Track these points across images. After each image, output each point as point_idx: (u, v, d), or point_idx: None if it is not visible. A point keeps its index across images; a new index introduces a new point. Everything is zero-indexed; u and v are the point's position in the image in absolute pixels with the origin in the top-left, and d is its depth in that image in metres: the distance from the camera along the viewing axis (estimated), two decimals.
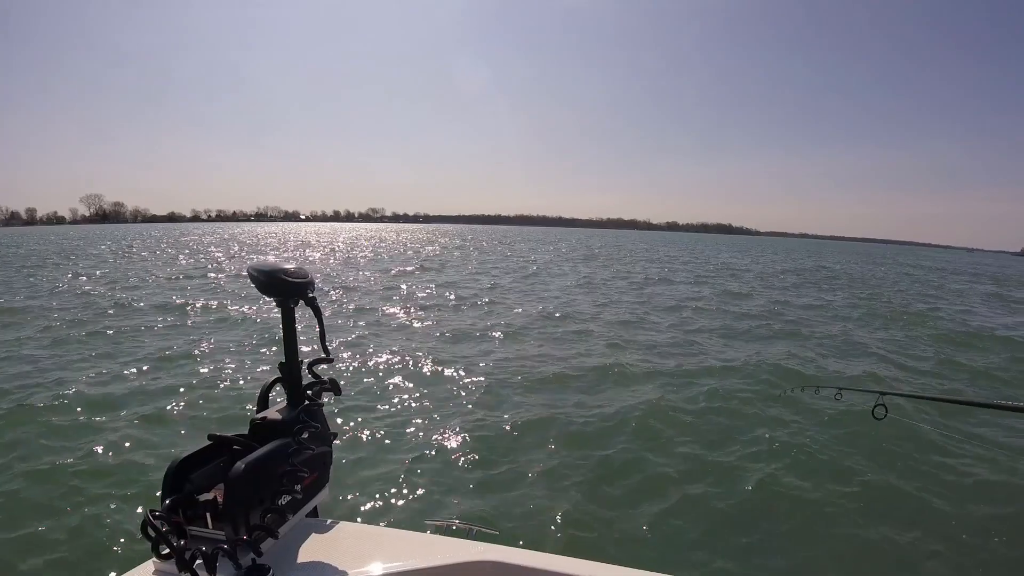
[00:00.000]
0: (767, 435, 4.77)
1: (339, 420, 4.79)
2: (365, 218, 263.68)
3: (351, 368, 6.55)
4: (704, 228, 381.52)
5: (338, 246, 38.95)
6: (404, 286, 14.82)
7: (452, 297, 12.86)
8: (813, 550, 3.28)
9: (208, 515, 0.88)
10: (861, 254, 76.07)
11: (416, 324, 9.38)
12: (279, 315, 1.08)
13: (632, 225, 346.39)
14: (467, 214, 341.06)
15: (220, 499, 0.89)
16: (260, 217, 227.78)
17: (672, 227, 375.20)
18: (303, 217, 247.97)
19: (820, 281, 21.64)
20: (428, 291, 13.86)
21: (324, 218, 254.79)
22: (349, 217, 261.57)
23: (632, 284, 17.64)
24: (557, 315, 10.80)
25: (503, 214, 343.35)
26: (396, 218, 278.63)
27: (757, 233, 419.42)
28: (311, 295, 1.06)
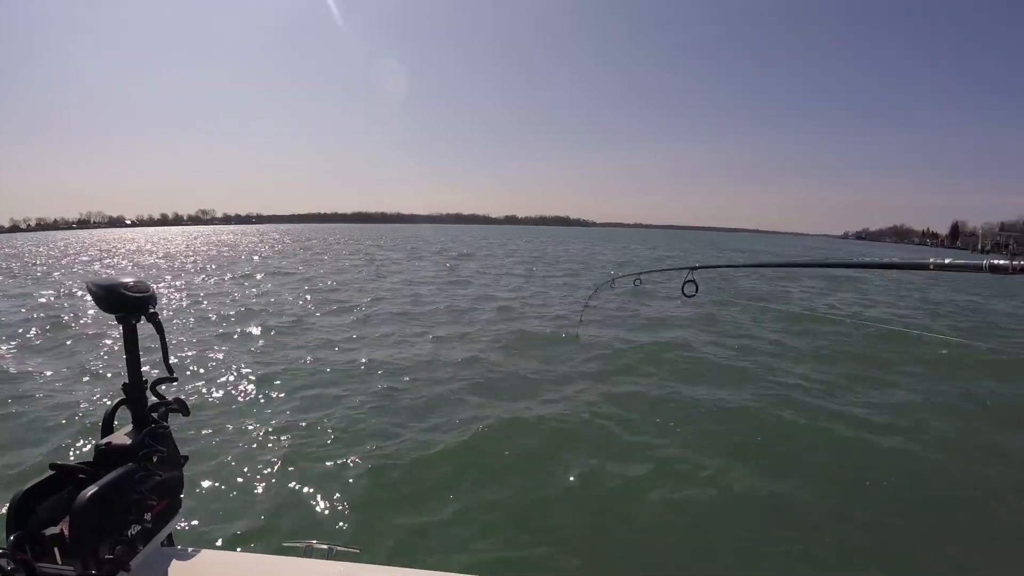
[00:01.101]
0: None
1: (189, 442, 4.56)
2: (195, 220, 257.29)
3: (199, 386, 6.15)
4: (543, 221, 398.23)
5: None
6: (239, 295, 13.92)
7: (288, 308, 11.75)
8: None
9: (56, 550, 0.84)
10: (694, 240, 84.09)
11: (257, 338, 8.71)
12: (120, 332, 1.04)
13: (472, 220, 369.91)
14: (302, 213, 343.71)
15: (68, 532, 0.84)
16: (83, 224, 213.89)
17: (511, 220, 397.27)
18: (128, 222, 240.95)
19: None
20: (265, 300, 12.93)
21: (151, 222, 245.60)
22: (178, 220, 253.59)
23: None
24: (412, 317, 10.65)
25: (340, 211, 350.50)
26: (228, 219, 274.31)
27: (594, 224, 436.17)
28: (152, 310, 1.05)
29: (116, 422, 1.08)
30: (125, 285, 1.01)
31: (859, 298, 15.21)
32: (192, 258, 28.23)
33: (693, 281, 1.96)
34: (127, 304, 1.01)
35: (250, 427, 4.97)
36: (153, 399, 1.10)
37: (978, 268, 0.95)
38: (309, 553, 1.16)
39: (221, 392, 5.98)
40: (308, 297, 13.25)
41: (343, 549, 1.19)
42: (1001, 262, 0.90)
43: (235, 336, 8.78)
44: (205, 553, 1.04)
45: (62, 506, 0.90)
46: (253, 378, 6.42)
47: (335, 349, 7.96)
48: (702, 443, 4.65)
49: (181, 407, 1.12)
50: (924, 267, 1.09)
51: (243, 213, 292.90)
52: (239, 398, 5.81)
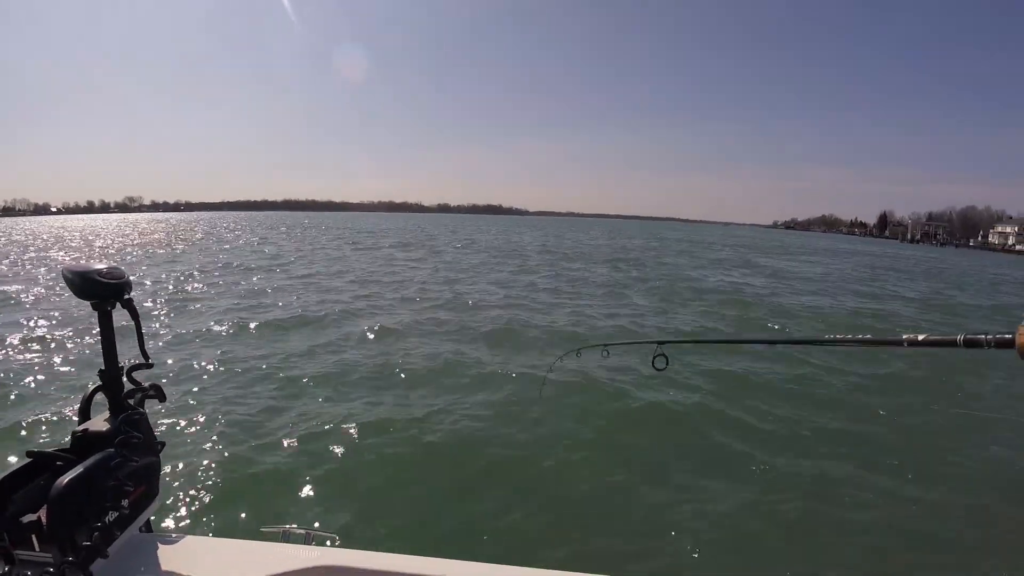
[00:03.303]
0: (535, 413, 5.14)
1: (167, 427, 4.60)
2: (122, 208, 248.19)
3: (176, 371, 6.22)
4: (474, 209, 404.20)
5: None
6: (204, 284, 14.22)
7: (252, 296, 12.05)
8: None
9: (34, 537, 0.85)
10: (616, 227, 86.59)
11: (226, 325, 8.88)
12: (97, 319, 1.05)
13: (403, 208, 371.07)
14: (232, 200, 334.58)
15: (45, 519, 0.84)
16: (8, 212, 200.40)
17: (443, 209, 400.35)
18: (54, 209, 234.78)
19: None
20: (236, 288, 13.22)
21: (77, 209, 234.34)
22: (104, 208, 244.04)
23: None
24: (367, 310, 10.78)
25: (270, 199, 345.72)
26: (155, 207, 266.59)
27: (526, 213, 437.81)
28: (127, 296, 1.06)
29: (93, 407, 1.09)
30: (99, 272, 1.02)
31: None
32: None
33: (663, 355, 1.80)
34: (102, 291, 1.02)
35: (228, 412, 4.97)
36: (129, 385, 1.11)
37: (952, 343, 0.90)
38: (287, 538, 1.20)
39: (191, 381, 5.91)
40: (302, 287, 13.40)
41: (320, 534, 1.22)
42: (976, 336, 0.86)
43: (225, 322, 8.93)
44: (181, 539, 1.06)
45: (40, 493, 0.90)
46: (224, 366, 6.40)
47: (300, 337, 8.09)
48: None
49: (158, 393, 1.14)
50: (899, 343, 1.05)
51: (171, 201, 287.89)
52: (211, 387, 5.74)
